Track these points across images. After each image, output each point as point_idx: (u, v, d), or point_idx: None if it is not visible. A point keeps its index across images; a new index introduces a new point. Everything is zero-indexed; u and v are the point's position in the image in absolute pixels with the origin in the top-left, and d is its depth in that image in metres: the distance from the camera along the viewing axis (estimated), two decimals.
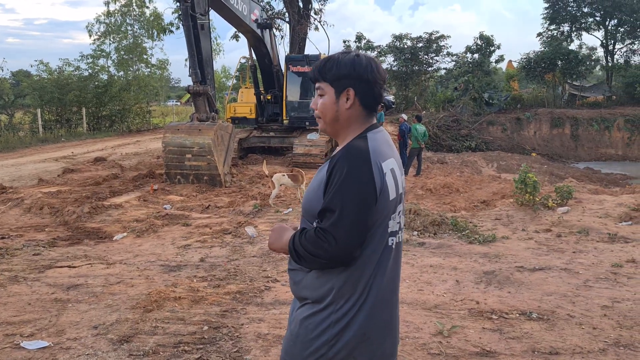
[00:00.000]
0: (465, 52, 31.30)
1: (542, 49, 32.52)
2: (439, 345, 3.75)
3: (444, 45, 32.17)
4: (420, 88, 33.63)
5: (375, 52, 32.83)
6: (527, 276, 5.27)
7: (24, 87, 28.41)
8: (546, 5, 35.46)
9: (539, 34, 36.56)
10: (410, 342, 3.81)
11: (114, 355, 3.59)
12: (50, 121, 25.26)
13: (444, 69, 33.77)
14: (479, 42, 30.42)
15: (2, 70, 26.04)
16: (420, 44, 32.15)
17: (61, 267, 5.68)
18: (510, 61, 38.46)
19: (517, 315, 4.30)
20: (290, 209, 9.02)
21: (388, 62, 33.26)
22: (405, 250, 6.28)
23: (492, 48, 30.40)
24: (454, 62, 32.77)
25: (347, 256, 1.67)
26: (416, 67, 32.74)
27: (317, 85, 1.84)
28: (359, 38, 32.73)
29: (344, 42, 32.89)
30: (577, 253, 6.16)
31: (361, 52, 1.95)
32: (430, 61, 33.19)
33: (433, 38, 31.89)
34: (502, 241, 6.72)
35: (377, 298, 1.76)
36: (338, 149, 1.84)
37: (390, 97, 30.81)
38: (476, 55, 30.66)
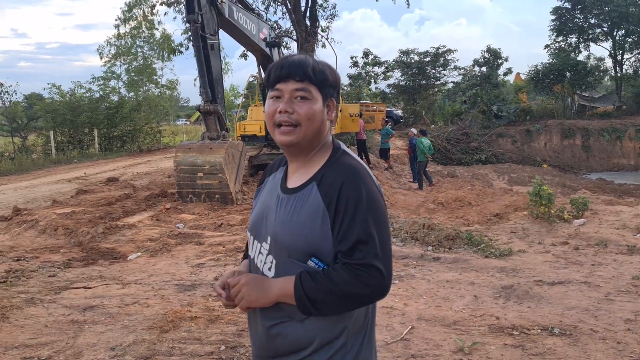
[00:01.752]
0: (473, 66, 31.40)
1: (550, 60, 32.54)
2: None
3: (451, 59, 32.36)
4: (428, 102, 33.74)
5: (383, 68, 32.99)
6: (546, 290, 5.19)
7: (37, 110, 28.78)
8: (553, 17, 35.54)
9: (547, 46, 36.64)
10: (430, 359, 3.75)
11: None
12: (63, 143, 25.55)
13: (451, 82, 33.87)
14: (486, 55, 30.52)
15: (16, 94, 26.35)
16: (428, 59, 32.33)
17: (77, 288, 5.68)
18: (518, 73, 38.49)
19: (539, 330, 4.22)
20: None
21: (395, 77, 33.44)
22: (420, 265, 6.24)
23: (500, 61, 30.48)
24: (461, 76, 32.85)
25: (390, 286, 1.50)
26: (424, 82, 32.90)
27: (299, 85, 1.53)
28: (366, 54, 32.97)
29: (351, 58, 33.16)
30: (597, 266, 6.07)
31: None
32: (438, 75, 33.36)
33: (440, 52, 32.06)
34: (518, 255, 6.64)
35: (374, 323, 1.68)
36: (302, 166, 1.61)
37: (399, 112, 30.87)
38: (484, 68, 30.73)
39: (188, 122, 54.60)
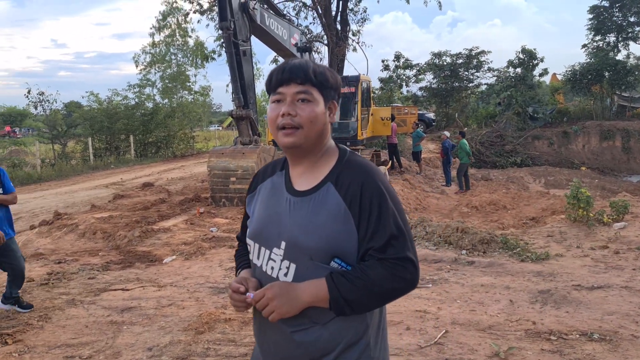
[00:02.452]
0: (507, 67, 30.80)
1: (588, 60, 31.66)
2: None
3: (484, 61, 31.80)
4: (461, 105, 33.28)
5: (414, 71, 32.75)
6: (585, 295, 5.06)
7: (76, 118, 29.67)
8: (590, 16, 34.63)
9: (584, 46, 35.64)
10: None
11: None
12: (100, 149, 26.25)
13: (485, 84, 33.33)
14: (521, 55, 29.90)
15: (56, 102, 27.22)
16: (460, 60, 31.89)
17: (115, 290, 5.83)
18: (554, 74, 37.59)
19: (577, 336, 4.12)
20: None
21: (427, 79, 33.12)
22: (454, 269, 6.16)
23: (535, 61, 29.80)
24: (495, 77, 32.30)
25: (419, 277, 1.54)
26: (456, 84, 32.46)
27: (301, 88, 1.54)
28: (397, 57, 32.75)
29: (383, 61, 32.93)
30: (638, 270, 5.88)
31: None
32: (471, 77, 32.83)
33: (473, 54, 31.58)
34: (556, 259, 6.49)
35: (386, 315, 1.71)
36: (308, 169, 1.61)
37: (431, 115, 30.57)
38: (519, 70, 30.12)
39: (220, 128, 55.39)
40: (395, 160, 17.35)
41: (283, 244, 1.54)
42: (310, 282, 1.49)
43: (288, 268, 1.53)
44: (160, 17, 31.85)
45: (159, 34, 34.28)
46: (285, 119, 1.54)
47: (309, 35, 20.15)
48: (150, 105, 30.60)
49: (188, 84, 36.47)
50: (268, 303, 1.49)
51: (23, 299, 5.27)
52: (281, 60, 17.86)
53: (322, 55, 21.74)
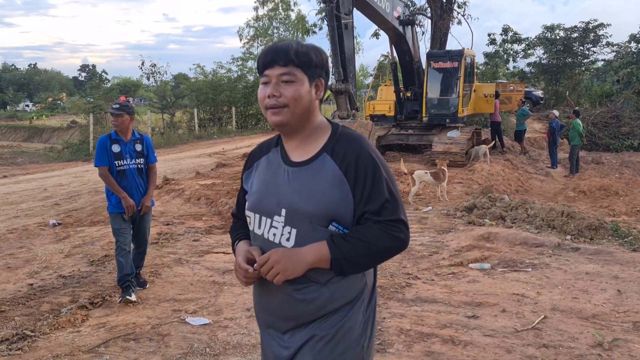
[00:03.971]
0: (629, 41, 28.15)
1: None
2: (599, 358, 3.45)
3: (602, 35, 29.28)
4: (573, 82, 30.95)
5: (523, 45, 30.89)
6: None
7: (183, 89, 31.34)
8: None
9: None
10: (565, 351, 3.54)
11: None
12: (205, 120, 27.60)
13: (602, 60, 30.75)
14: None
15: (166, 74, 28.91)
16: (575, 34, 29.60)
17: (217, 252, 6.19)
18: None
19: None
20: (430, 207, 8.86)
21: (537, 54, 31.15)
22: (556, 254, 5.86)
23: None
24: (614, 53, 29.67)
25: (410, 237, 1.67)
26: (569, 60, 30.22)
27: (284, 70, 1.60)
28: (505, 30, 31.03)
29: (489, 35, 31.39)
30: None
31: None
32: (586, 52, 30.39)
33: (590, 27, 29.15)
34: None
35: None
36: (302, 142, 1.69)
37: (539, 92, 28.81)
38: None
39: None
40: (497, 140, 16.61)
41: (283, 211, 1.63)
42: (311, 245, 1.58)
43: (290, 233, 1.62)
44: None
45: (263, 8, 35.06)
46: (271, 100, 1.62)
47: (412, 8, 19.63)
48: (251, 78, 31.58)
49: None
50: (273, 266, 1.57)
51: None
52: (382, 34, 17.63)
53: (424, 29, 21.10)
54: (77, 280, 5.29)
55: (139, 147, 4.76)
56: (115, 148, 4.63)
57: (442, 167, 9.89)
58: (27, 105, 68.38)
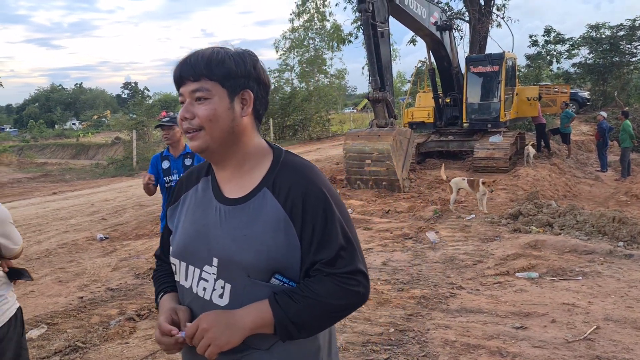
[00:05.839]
0: None
1: None
2: None
3: None
4: (622, 82, 29.85)
5: (567, 45, 30.02)
6: None
7: None
8: None
9: None
10: None
11: None
12: None
13: None
14: None
15: None
16: (622, 33, 28.57)
17: None
18: None
19: None
20: (473, 215, 8.68)
21: (582, 55, 30.20)
22: (608, 262, 5.63)
23: None
24: None
25: (370, 289, 1.40)
26: (616, 59, 29.15)
27: (196, 86, 1.33)
28: (548, 31, 30.19)
29: (530, 37, 30.64)
30: None
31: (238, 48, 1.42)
32: (634, 51, 29.27)
33: (637, 25, 28.11)
34: None
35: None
36: (235, 173, 1.41)
37: (585, 94, 27.93)
38: None
39: (355, 110, 55.92)
40: (543, 144, 16.17)
41: (215, 261, 1.34)
42: (250, 306, 1.30)
43: (223, 288, 1.33)
44: (300, 2, 32.80)
45: (298, 19, 35.35)
46: (184, 123, 1.36)
47: (449, 13, 19.42)
48: (288, 89, 31.87)
49: (324, 67, 37.24)
50: (203, 336, 1.27)
51: None
52: (419, 40, 17.50)
53: (462, 33, 20.83)
54: (124, 293, 5.42)
55: (188, 162, 4.80)
56: (165, 164, 4.71)
57: (480, 180, 9.41)
58: (74, 124, 71.32)
